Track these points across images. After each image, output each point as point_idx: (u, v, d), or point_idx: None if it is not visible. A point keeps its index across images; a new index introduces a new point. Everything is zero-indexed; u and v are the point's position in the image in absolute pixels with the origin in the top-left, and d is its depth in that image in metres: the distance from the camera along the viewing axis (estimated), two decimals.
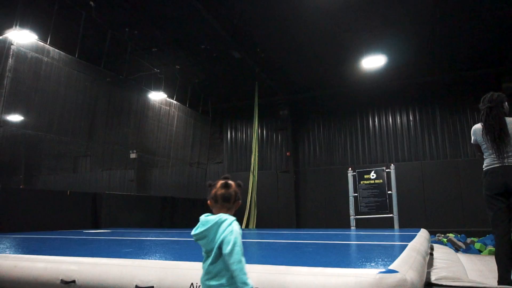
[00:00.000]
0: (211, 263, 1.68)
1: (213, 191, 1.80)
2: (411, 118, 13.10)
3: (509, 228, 3.35)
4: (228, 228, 1.69)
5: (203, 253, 1.75)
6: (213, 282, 1.67)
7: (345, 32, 9.70)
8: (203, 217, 1.76)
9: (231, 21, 9.23)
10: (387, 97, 13.29)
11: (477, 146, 3.63)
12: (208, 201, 1.81)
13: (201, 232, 1.70)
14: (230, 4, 8.61)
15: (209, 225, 1.70)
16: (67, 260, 2.93)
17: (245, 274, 1.63)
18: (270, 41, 10.35)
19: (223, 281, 1.67)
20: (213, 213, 1.79)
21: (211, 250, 1.68)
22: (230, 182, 1.83)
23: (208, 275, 1.69)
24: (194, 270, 2.44)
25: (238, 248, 1.64)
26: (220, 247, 1.66)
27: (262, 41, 10.36)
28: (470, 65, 11.77)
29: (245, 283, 1.61)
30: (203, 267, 1.73)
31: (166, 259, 2.97)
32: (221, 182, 1.82)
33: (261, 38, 10.21)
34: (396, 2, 8.49)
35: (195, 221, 1.75)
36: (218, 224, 1.70)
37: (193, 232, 1.73)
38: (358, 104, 13.67)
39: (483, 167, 3.53)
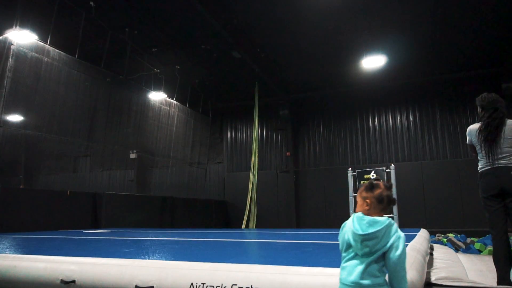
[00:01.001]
0: (371, 263, 1.67)
1: (377, 191, 1.77)
2: (411, 118, 13.10)
3: (506, 228, 3.35)
4: (397, 233, 1.69)
5: (356, 253, 1.71)
6: (369, 282, 1.66)
7: (345, 32, 9.70)
8: (368, 217, 1.72)
9: (231, 21, 9.23)
10: (387, 97, 13.29)
11: (472, 146, 3.63)
12: (367, 200, 1.77)
13: (373, 233, 1.66)
14: (230, 4, 8.61)
15: (381, 226, 1.68)
16: (67, 260, 2.93)
17: (406, 282, 1.67)
18: (270, 41, 10.35)
19: (380, 280, 1.68)
20: (357, 213, 1.78)
21: (375, 252, 1.66)
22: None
23: (364, 274, 1.66)
24: (194, 270, 2.44)
25: (405, 257, 1.66)
26: (385, 250, 1.66)
27: (262, 41, 10.36)
28: (470, 65, 11.77)
29: None
30: (353, 266, 1.69)
31: (166, 259, 2.97)
32: (384, 184, 1.81)
33: (261, 38, 10.21)
34: (396, 2, 8.49)
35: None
36: (389, 227, 1.69)
37: (363, 231, 1.68)
38: (358, 104, 13.67)
39: (478, 168, 3.53)
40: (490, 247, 7.56)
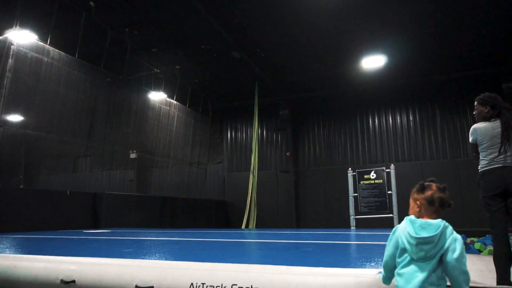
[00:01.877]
0: (431, 273, 1.59)
1: (429, 193, 1.72)
2: (411, 118, 13.10)
3: (506, 228, 3.34)
4: (452, 235, 1.63)
5: (411, 257, 1.63)
6: None
7: (345, 32, 9.70)
8: (419, 220, 1.66)
9: (231, 21, 9.23)
10: (387, 97, 13.28)
11: (475, 146, 3.62)
12: (418, 202, 1.72)
13: (428, 237, 1.60)
14: (230, 4, 8.61)
15: (435, 231, 1.61)
16: (67, 260, 2.93)
17: (468, 286, 1.58)
18: (270, 41, 10.34)
19: None
20: (410, 215, 1.71)
21: (432, 257, 1.59)
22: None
23: (424, 283, 1.58)
24: (194, 270, 2.44)
25: (464, 259, 1.58)
26: (442, 254, 1.60)
27: (262, 41, 10.35)
28: (470, 65, 11.77)
29: None
30: (411, 273, 1.61)
31: (166, 259, 2.97)
32: (437, 185, 1.75)
33: (261, 38, 10.20)
34: (396, 2, 8.49)
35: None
36: (444, 229, 1.63)
37: (417, 234, 1.61)
38: (358, 104, 13.67)
39: (479, 168, 3.51)
40: (490, 247, 7.55)
